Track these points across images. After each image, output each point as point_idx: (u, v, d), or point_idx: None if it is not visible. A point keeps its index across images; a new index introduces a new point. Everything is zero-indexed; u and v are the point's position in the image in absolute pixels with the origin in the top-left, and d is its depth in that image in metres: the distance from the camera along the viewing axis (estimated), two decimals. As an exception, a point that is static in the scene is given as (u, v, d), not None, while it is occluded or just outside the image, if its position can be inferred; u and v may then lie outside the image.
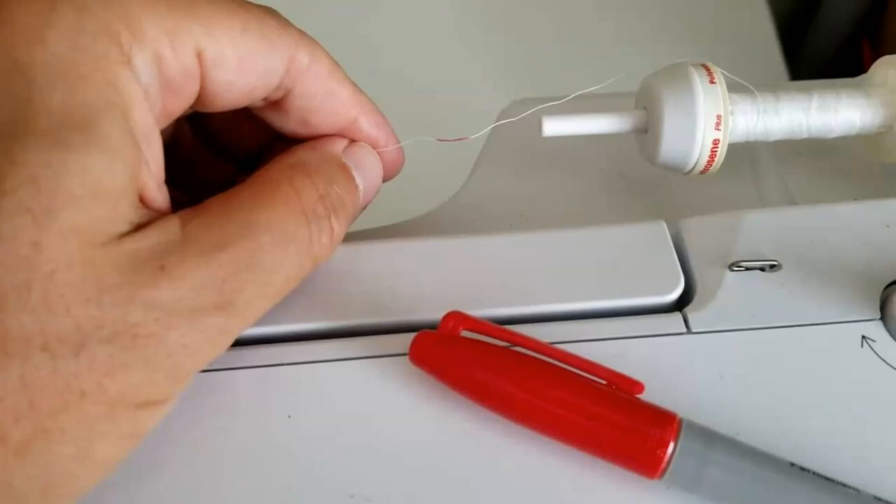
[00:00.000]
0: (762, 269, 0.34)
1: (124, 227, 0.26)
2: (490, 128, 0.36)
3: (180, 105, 0.28)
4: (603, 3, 0.56)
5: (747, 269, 0.34)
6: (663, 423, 0.29)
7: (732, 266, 0.34)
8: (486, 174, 0.42)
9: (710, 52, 0.54)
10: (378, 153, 0.34)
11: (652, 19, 0.55)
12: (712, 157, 0.36)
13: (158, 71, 0.27)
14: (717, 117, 0.36)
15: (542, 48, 0.52)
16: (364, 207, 0.35)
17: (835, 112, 0.38)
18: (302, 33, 0.31)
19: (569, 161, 0.42)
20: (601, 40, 0.53)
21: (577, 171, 0.42)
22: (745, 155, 0.42)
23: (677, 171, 0.38)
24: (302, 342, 0.33)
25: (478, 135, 0.35)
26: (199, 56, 0.28)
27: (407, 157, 0.36)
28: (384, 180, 0.35)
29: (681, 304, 0.34)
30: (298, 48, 0.30)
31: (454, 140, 0.35)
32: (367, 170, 0.34)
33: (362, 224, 0.36)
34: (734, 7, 0.59)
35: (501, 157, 0.42)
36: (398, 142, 0.35)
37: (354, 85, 0.33)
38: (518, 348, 0.31)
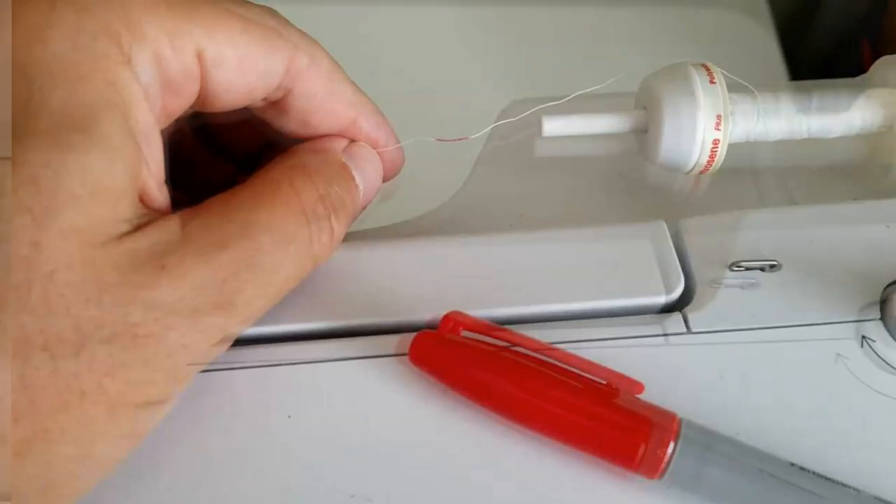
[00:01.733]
0: (762, 269, 0.34)
1: (124, 227, 0.26)
2: (490, 128, 0.36)
3: (180, 105, 0.28)
4: (603, 2, 0.56)
5: (747, 269, 0.34)
6: (663, 422, 0.29)
7: (732, 266, 0.34)
8: (486, 174, 0.41)
9: (710, 51, 0.54)
10: (378, 153, 0.34)
11: (652, 19, 0.55)
12: (712, 157, 0.36)
13: (158, 71, 0.27)
14: (717, 117, 0.36)
15: (543, 48, 0.52)
16: (364, 207, 0.35)
17: (834, 112, 0.38)
18: (302, 33, 0.31)
19: (569, 161, 0.42)
20: (601, 40, 0.53)
21: (577, 171, 0.42)
22: (745, 155, 0.42)
23: (677, 171, 0.38)
24: (302, 342, 0.33)
25: (478, 135, 0.35)
26: (199, 56, 0.28)
27: (407, 157, 0.36)
28: (384, 180, 0.35)
29: (681, 304, 0.34)
30: (298, 48, 0.30)
31: (454, 140, 0.35)
32: (367, 170, 0.34)
33: (362, 224, 0.36)
34: (734, 7, 0.59)
35: (501, 157, 0.41)
36: (398, 142, 0.35)
37: (354, 85, 0.33)
38: (518, 348, 0.31)
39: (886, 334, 0.33)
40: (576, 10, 0.54)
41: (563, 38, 0.53)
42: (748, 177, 0.42)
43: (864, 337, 0.33)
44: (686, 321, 0.33)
